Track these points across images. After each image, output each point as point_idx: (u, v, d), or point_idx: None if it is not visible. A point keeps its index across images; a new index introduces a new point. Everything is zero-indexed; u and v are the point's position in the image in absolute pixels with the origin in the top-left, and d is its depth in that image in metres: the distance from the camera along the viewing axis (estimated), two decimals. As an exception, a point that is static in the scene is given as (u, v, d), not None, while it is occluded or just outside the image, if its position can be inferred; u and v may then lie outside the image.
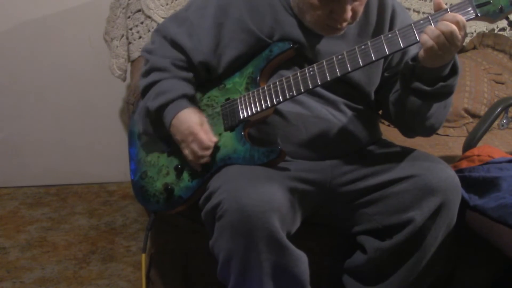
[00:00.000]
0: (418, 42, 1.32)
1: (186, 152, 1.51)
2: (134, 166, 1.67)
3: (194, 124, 1.49)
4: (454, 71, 1.37)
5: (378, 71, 1.55)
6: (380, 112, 1.64)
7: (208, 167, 1.50)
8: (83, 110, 2.73)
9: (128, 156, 1.70)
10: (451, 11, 1.29)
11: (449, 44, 1.28)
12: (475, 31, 2.41)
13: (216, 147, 1.51)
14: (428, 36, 1.28)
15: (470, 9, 1.28)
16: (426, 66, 1.34)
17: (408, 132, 1.60)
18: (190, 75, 1.58)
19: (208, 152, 1.49)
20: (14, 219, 2.49)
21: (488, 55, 2.35)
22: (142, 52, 1.67)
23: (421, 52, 1.32)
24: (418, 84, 1.38)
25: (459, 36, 1.27)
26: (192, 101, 1.56)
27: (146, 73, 1.60)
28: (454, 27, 1.26)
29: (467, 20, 1.28)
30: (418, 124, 1.51)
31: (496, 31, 2.42)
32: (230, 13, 1.53)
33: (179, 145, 1.53)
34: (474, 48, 2.40)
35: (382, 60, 1.53)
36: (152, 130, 1.61)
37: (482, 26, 2.41)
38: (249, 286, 1.40)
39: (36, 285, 2.04)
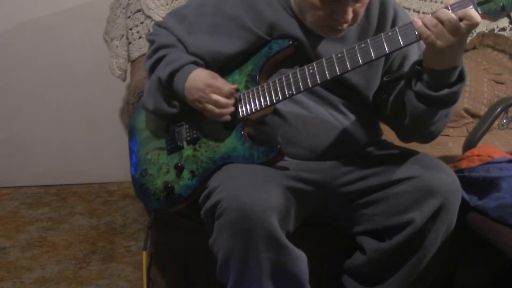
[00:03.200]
0: (418, 40, 1.31)
1: (208, 107, 1.47)
2: (135, 159, 1.67)
3: (208, 77, 1.48)
4: (461, 78, 1.36)
5: (377, 75, 1.54)
6: (378, 114, 1.63)
7: (207, 166, 1.50)
8: (83, 110, 2.73)
9: (129, 150, 1.70)
10: (452, 9, 1.28)
11: (449, 34, 1.26)
12: (475, 31, 2.41)
13: (216, 146, 1.51)
14: (425, 26, 1.27)
15: (471, 7, 1.27)
16: (430, 66, 1.33)
17: (405, 137, 1.57)
18: None
19: (232, 101, 1.47)
20: (14, 219, 2.49)
21: (488, 55, 2.35)
22: (147, 36, 1.69)
23: (423, 50, 1.32)
24: (423, 89, 1.37)
25: (459, 25, 1.25)
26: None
27: (153, 52, 1.61)
28: (452, 15, 1.25)
29: None
30: (417, 131, 1.50)
31: (496, 31, 2.42)
32: (227, 11, 1.53)
33: (197, 107, 1.50)
34: (474, 48, 2.39)
35: (382, 64, 1.53)
36: (164, 104, 1.57)
37: (482, 26, 2.41)
38: (248, 285, 1.40)
39: (36, 285, 2.04)
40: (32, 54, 2.62)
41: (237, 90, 1.49)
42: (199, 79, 1.49)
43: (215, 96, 1.47)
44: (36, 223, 2.45)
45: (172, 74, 1.52)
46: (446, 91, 1.35)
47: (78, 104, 2.72)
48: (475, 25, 1.25)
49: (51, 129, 2.74)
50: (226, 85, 1.48)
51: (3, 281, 2.05)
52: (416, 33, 1.30)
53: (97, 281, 2.06)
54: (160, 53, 1.59)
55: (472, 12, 1.25)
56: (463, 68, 1.35)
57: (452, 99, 1.38)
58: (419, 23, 1.28)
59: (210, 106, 1.48)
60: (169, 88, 1.54)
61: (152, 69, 1.60)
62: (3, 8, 2.55)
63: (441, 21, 1.26)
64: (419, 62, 1.37)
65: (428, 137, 1.52)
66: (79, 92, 2.70)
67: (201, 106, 1.50)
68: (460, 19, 1.25)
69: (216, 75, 1.51)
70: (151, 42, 1.65)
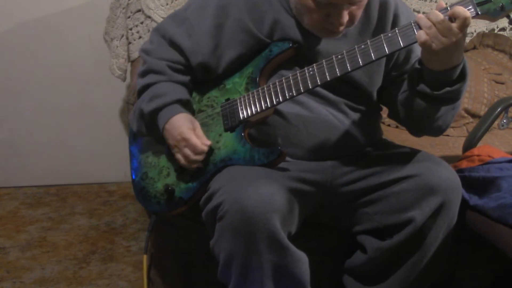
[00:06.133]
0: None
1: (179, 156, 1.51)
2: (135, 163, 1.67)
3: (186, 129, 1.49)
4: (462, 77, 1.36)
5: (379, 71, 1.55)
6: (388, 111, 1.63)
7: (208, 168, 1.50)
8: (83, 110, 2.73)
9: (129, 154, 1.70)
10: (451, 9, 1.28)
11: (442, 37, 1.26)
12: (475, 31, 2.41)
13: (216, 148, 1.51)
14: (421, 28, 1.28)
15: (470, 7, 1.27)
16: (430, 67, 1.33)
17: (415, 132, 1.59)
18: (186, 78, 1.59)
19: (201, 157, 1.49)
20: (14, 219, 2.49)
21: (488, 55, 2.35)
22: (140, 51, 1.67)
23: (421, 52, 1.32)
24: (425, 88, 1.37)
25: (450, 26, 1.25)
26: (187, 106, 1.56)
27: (143, 74, 1.60)
28: (442, 16, 1.25)
29: None
30: (425, 125, 1.51)
31: (496, 31, 2.42)
32: (230, 13, 1.53)
33: (171, 149, 1.53)
34: (474, 48, 2.40)
35: (384, 60, 1.53)
36: (145, 131, 1.61)
37: (482, 26, 2.41)
38: (250, 287, 1.40)
39: (36, 285, 2.04)
40: (32, 54, 2.62)
41: (209, 146, 1.49)
42: (178, 128, 1.49)
43: (187, 151, 1.48)
44: (36, 223, 2.45)
45: (155, 111, 1.53)
46: (446, 89, 1.35)
47: (78, 104, 2.72)
48: (464, 20, 1.25)
49: (51, 129, 2.74)
50: (199, 142, 1.47)
51: (3, 281, 2.05)
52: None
53: (97, 281, 2.06)
54: (148, 78, 1.58)
55: (459, 8, 1.25)
56: (464, 67, 1.35)
57: (454, 97, 1.38)
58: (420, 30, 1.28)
59: (179, 156, 1.51)
60: (151, 122, 1.56)
61: (140, 93, 1.60)
62: (3, 8, 2.55)
63: (433, 24, 1.26)
64: (419, 61, 1.37)
65: (437, 130, 1.52)
66: (79, 92, 2.70)
67: (173, 151, 1.52)
68: (451, 19, 1.26)
69: (196, 126, 1.51)
70: (143, 60, 1.63)
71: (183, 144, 1.49)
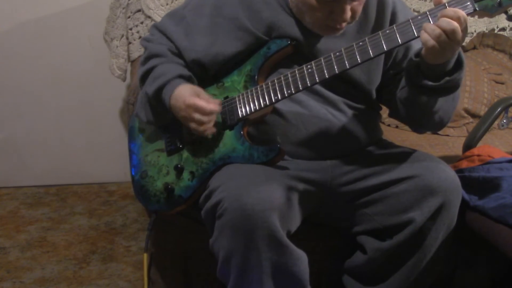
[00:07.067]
0: (416, 37, 1.32)
1: (193, 126, 1.48)
2: (135, 161, 1.67)
3: (189, 96, 1.47)
4: (459, 64, 1.36)
5: (378, 69, 1.55)
6: (388, 110, 1.63)
7: (207, 166, 1.50)
8: (83, 110, 2.73)
9: (129, 151, 1.70)
10: (449, 6, 1.28)
11: (450, 42, 1.26)
12: (475, 31, 2.41)
13: (215, 146, 1.51)
14: (428, 35, 1.27)
15: (468, 3, 1.27)
16: (431, 63, 1.33)
17: (418, 128, 1.59)
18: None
19: (213, 117, 1.47)
20: (14, 219, 2.49)
21: (488, 55, 2.35)
22: (141, 41, 1.68)
23: (423, 51, 1.32)
24: (424, 81, 1.37)
25: (461, 33, 1.26)
26: (189, 81, 1.54)
27: (145, 61, 1.61)
28: (455, 24, 1.25)
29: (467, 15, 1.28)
30: (427, 119, 1.51)
31: (496, 31, 2.42)
32: (226, 11, 1.53)
33: (185, 123, 1.51)
34: (474, 48, 2.39)
35: (383, 58, 1.53)
36: (154, 117, 1.59)
37: (482, 26, 2.41)
38: (249, 285, 1.40)
39: (36, 285, 2.04)
40: (32, 54, 2.63)
41: (220, 104, 1.48)
42: (181, 97, 1.48)
43: (196, 115, 1.46)
44: (36, 223, 2.45)
45: (158, 91, 1.52)
46: (446, 79, 1.36)
47: (78, 104, 2.72)
48: (459, 19, 1.25)
49: (51, 129, 2.74)
50: (206, 103, 1.45)
51: (3, 281, 2.05)
52: (415, 31, 1.30)
53: (97, 281, 2.06)
54: (150, 63, 1.58)
55: (450, 11, 1.25)
56: (460, 54, 1.36)
57: (453, 85, 1.38)
58: (424, 34, 1.28)
59: (193, 125, 1.48)
60: (157, 103, 1.55)
61: (143, 79, 1.60)
62: (3, 8, 2.55)
63: (444, 30, 1.25)
64: (416, 54, 1.37)
65: (439, 123, 1.52)
66: (79, 92, 2.70)
67: (186, 124, 1.50)
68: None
69: (199, 91, 1.50)
70: (144, 48, 1.65)
71: (191, 110, 1.46)
